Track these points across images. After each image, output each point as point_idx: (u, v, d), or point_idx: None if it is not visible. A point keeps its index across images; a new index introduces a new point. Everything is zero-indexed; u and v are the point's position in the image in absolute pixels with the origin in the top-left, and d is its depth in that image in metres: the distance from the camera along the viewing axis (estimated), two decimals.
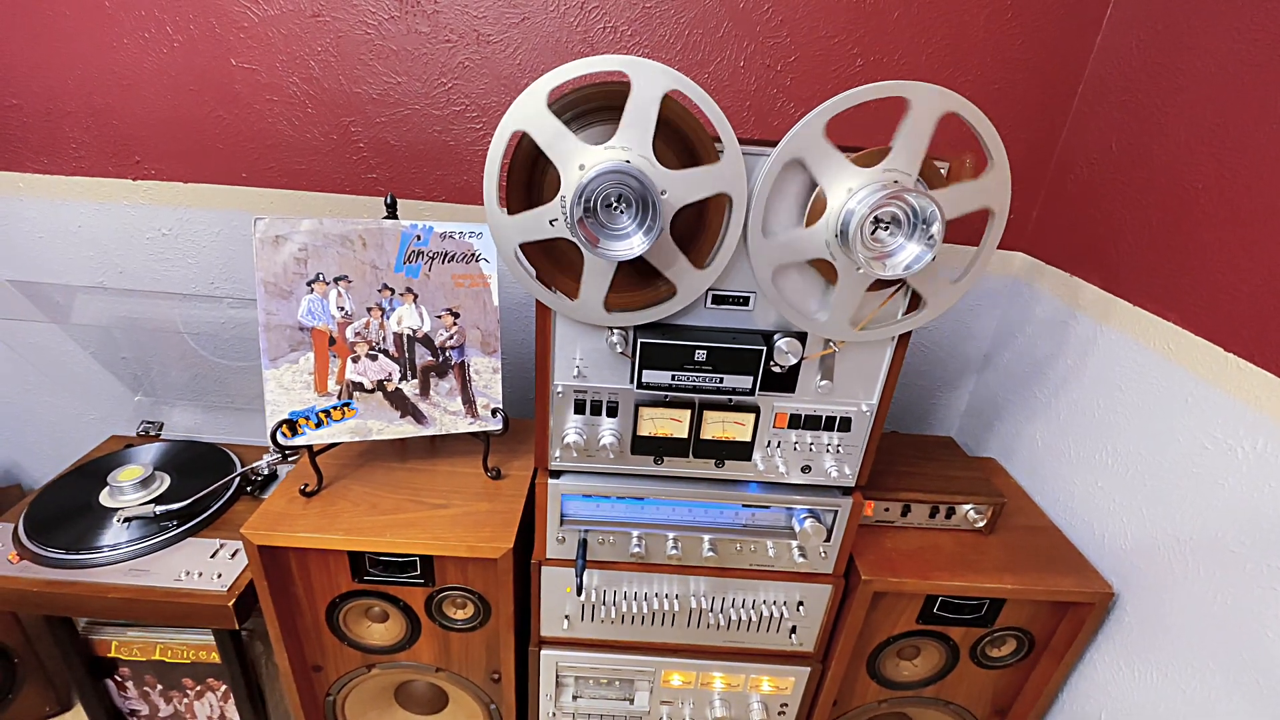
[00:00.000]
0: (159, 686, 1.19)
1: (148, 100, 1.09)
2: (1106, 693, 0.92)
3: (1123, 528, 0.91)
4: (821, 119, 0.61)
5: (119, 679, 1.18)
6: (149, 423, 1.32)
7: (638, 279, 0.69)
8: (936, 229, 0.60)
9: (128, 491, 1.08)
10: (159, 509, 1.05)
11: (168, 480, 1.14)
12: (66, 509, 1.07)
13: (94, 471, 1.15)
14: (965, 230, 0.69)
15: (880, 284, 0.69)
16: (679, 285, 0.68)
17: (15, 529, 1.04)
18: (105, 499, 1.08)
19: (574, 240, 0.62)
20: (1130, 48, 0.97)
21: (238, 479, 1.14)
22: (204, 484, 1.10)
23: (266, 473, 1.17)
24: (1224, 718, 0.76)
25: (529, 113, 0.59)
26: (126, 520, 1.04)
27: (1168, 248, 0.88)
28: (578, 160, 0.60)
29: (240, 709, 1.17)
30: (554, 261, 0.68)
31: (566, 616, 0.91)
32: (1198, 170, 0.84)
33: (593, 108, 0.63)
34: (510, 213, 0.63)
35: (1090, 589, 0.88)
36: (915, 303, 0.70)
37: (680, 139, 0.64)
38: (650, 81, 0.59)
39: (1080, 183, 1.05)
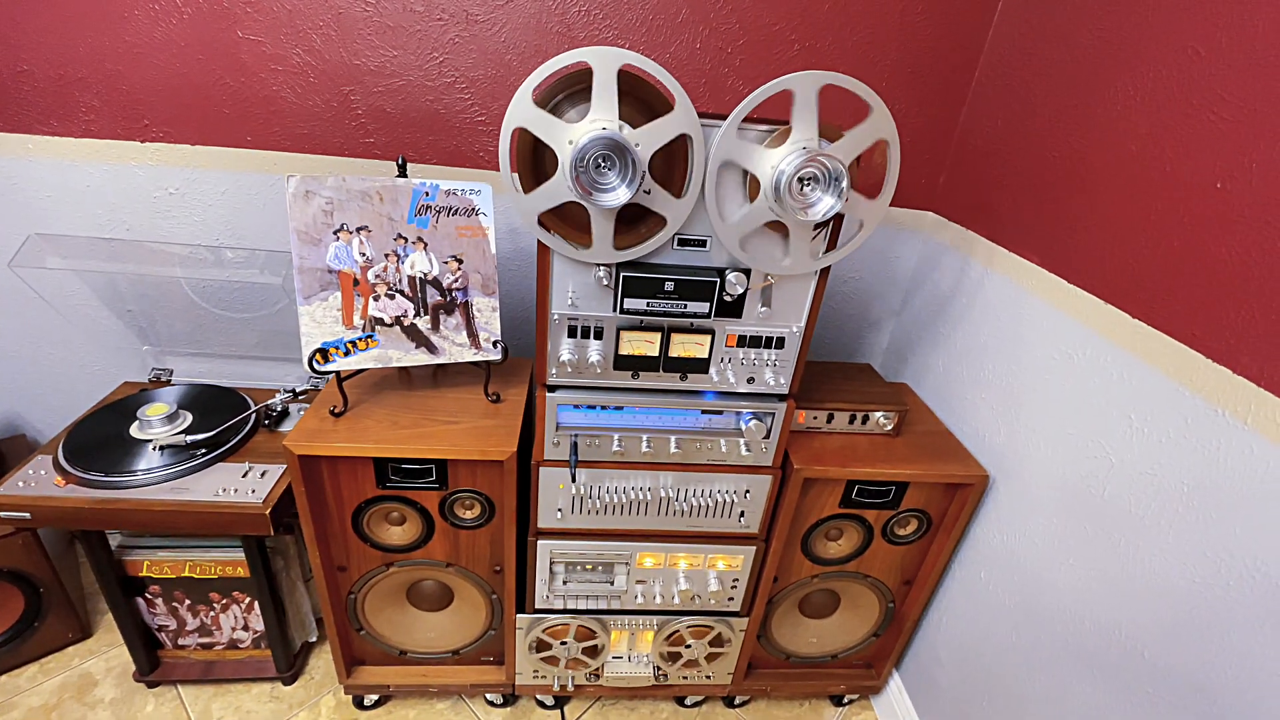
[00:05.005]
0: (187, 601, 1.33)
1: (157, 67, 1.18)
2: (986, 558, 1.19)
3: (997, 427, 1.16)
4: (731, 128, 0.79)
5: (149, 597, 1.32)
6: (159, 369, 1.43)
7: (575, 221, 0.85)
8: (845, 184, 0.80)
9: (156, 425, 1.21)
10: (189, 438, 1.19)
11: (190, 417, 1.26)
12: (100, 441, 1.19)
13: (120, 410, 1.27)
14: (874, 189, 0.89)
15: (819, 226, 0.88)
16: (595, 248, 0.86)
17: (55, 458, 1.16)
18: (135, 431, 1.21)
19: (570, 178, 0.78)
20: (1011, 39, 1.19)
21: (254, 414, 1.28)
22: (223, 420, 1.24)
23: (280, 409, 1.31)
24: (1065, 559, 1.02)
25: (603, 59, 0.74)
26: (160, 448, 1.17)
27: (1032, 204, 1.11)
28: (589, 121, 0.77)
29: (264, 615, 1.33)
30: (533, 168, 0.84)
31: (559, 510, 1.10)
32: (1053, 142, 1.07)
33: (627, 91, 0.80)
34: (537, 104, 0.77)
35: (971, 474, 1.13)
36: (833, 243, 0.91)
37: (670, 164, 0.82)
38: (686, 120, 0.78)
39: (976, 152, 1.28)
